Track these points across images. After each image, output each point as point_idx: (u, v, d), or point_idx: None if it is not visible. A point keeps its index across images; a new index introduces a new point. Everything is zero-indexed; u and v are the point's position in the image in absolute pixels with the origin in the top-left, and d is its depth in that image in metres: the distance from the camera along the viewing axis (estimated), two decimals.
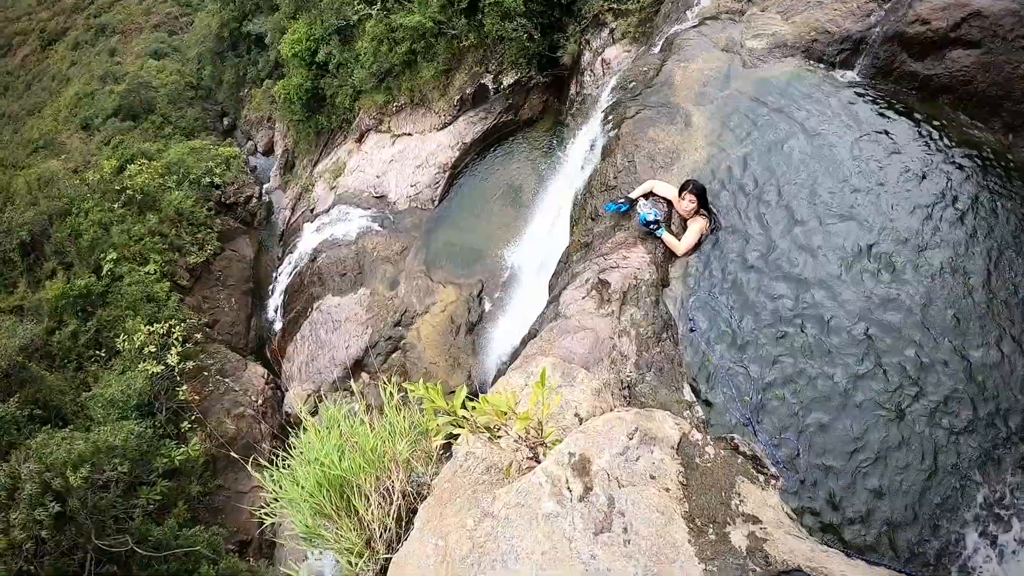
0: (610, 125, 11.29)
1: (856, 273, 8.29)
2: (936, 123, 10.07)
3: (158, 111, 42.47)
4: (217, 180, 32.02)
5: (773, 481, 4.97)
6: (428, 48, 26.00)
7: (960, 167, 9.49)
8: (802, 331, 7.88)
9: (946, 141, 9.84)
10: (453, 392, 4.42)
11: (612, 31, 21.59)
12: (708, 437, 5.17)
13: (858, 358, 7.64)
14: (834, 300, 8.10)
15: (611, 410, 5.86)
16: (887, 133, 9.89)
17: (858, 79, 11.05)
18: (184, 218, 28.89)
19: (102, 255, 25.22)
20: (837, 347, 7.73)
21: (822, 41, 11.33)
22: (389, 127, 28.31)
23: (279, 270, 29.58)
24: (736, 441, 5.22)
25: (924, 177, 9.30)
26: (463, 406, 4.27)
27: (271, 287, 29.46)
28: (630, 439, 4.54)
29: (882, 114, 10.21)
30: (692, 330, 7.98)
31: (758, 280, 8.37)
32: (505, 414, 4.12)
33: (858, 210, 8.90)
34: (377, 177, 27.05)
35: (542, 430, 4.37)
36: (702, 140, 10.13)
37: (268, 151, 39.96)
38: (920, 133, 9.92)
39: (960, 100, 10.46)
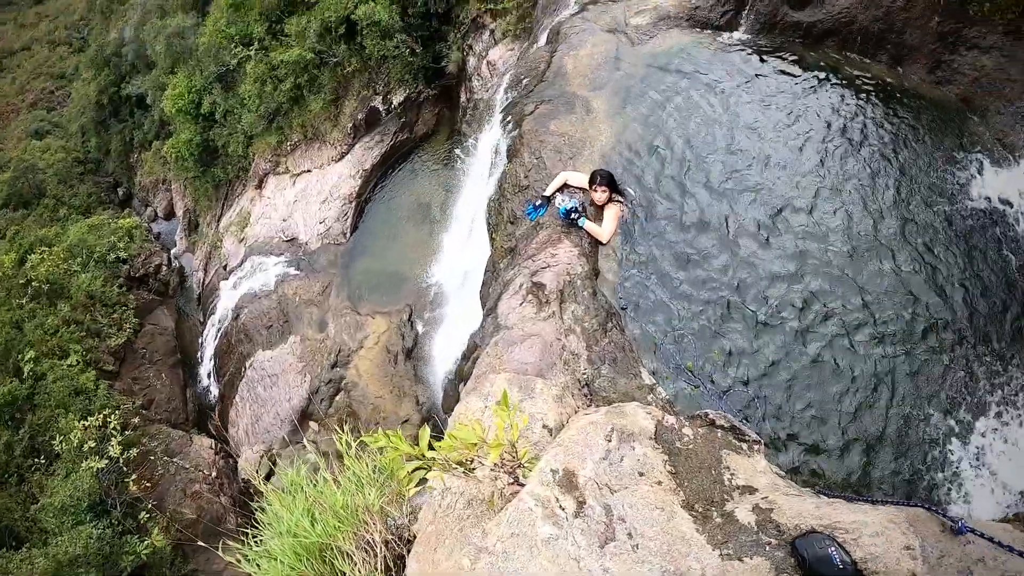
0: (511, 125, 11.22)
1: (765, 227, 8.64)
2: (825, 65, 10.50)
3: (49, 193, 40.77)
4: (122, 254, 30.73)
5: (756, 446, 4.95)
6: (312, 80, 25.61)
7: (852, 103, 9.93)
8: (725, 291, 8.20)
9: (836, 81, 10.26)
10: (406, 421, 4.22)
11: (492, 32, 21.57)
12: (682, 418, 5.12)
13: (781, 305, 8.04)
14: (749, 255, 8.43)
15: (575, 412, 5.79)
16: (779, 85, 10.25)
17: (745, 37, 11.36)
18: (97, 300, 27.62)
19: (19, 356, 23.82)
20: (759, 299, 8.10)
21: (704, 6, 11.60)
22: (287, 167, 27.77)
23: (204, 335, 28.62)
24: (711, 416, 5.17)
25: (817, 119, 9.74)
26: (430, 446, 4.04)
27: (199, 354, 28.46)
28: (608, 441, 4.43)
29: (772, 67, 10.55)
30: (623, 308, 8.09)
31: (677, 250, 8.60)
32: (476, 445, 3.91)
33: (758, 165, 9.26)
34: (284, 220, 26.45)
35: (516, 452, 4.19)
36: (605, 124, 10.20)
37: (169, 214, 38.74)
38: (812, 78, 10.31)
39: (845, 41, 10.92)
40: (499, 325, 8.09)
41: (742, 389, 7.44)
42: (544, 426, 5.34)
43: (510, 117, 11.38)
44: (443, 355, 18.07)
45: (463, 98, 23.13)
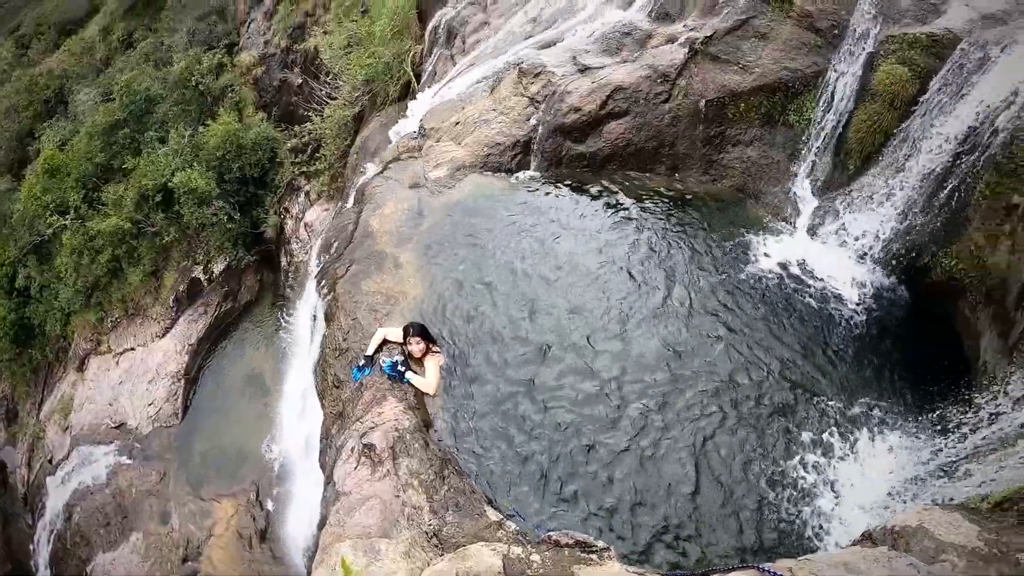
0: (325, 290, 11.28)
1: (573, 347, 9.25)
2: (610, 187, 11.66)
3: None
4: None
5: (606, 552, 5.30)
6: (131, 252, 25.08)
7: (638, 216, 11.11)
8: (543, 423, 8.60)
9: (621, 199, 11.40)
10: None
11: (307, 194, 22.34)
12: (529, 546, 5.45)
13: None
14: (562, 377, 8.99)
15: (427, 565, 6.03)
16: (569, 213, 11.23)
17: (536, 175, 12.20)
18: None
19: None
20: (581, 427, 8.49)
21: (495, 152, 12.35)
22: (109, 346, 26.50)
23: (35, 540, 25.59)
24: (555, 537, 5.51)
25: (610, 236, 10.72)
26: None
27: (33, 562, 25.35)
28: None
29: (561, 198, 11.52)
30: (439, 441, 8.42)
31: (497, 390, 8.97)
32: None
33: (560, 297, 9.90)
34: (110, 404, 24.85)
35: None
36: (414, 277, 10.51)
37: None
38: (599, 202, 11.40)
39: (625, 161, 12.14)
40: (338, 492, 8.05)
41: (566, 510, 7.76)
42: None
43: (324, 282, 11.47)
44: (299, 530, 17.06)
45: (284, 262, 23.45)
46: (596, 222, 10.99)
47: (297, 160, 23.86)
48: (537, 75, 12.65)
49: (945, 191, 9.78)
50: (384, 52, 20.37)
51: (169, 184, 23.58)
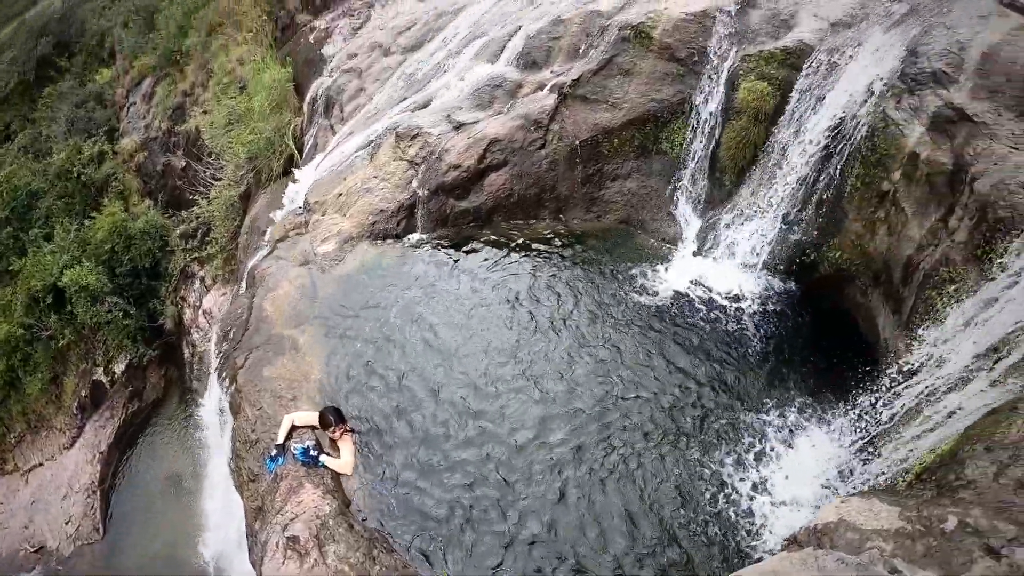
0: (227, 382, 10.93)
1: (478, 413, 9.27)
2: (498, 238, 11.87)
3: None
4: None
5: None
6: (26, 359, 23.81)
7: (527, 263, 11.37)
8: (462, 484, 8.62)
9: (509, 249, 11.66)
10: None
11: (203, 280, 21.75)
12: None
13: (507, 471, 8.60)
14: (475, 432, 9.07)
15: None
16: (460, 271, 11.33)
17: (424, 237, 12.25)
18: None
19: None
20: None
21: (381, 220, 12.30)
22: (16, 464, 24.96)
23: None
24: None
25: (498, 290, 10.85)
26: None
27: None
28: None
29: (449, 257, 11.64)
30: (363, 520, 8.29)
31: (409, 457, 8.98)
32: None
33: (459, 357, 9.95)
34: (25, 528, 23.27)
35: None
36: (314, 356, 10.34)
37: None
38: (487, 255, 11.59)
39: (510, 211, 12.42)
40: None
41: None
42: None
43: (225, 373, 11.14)
44: None
45: (187, 354, 22.67)
46: (486, 275, 11.11)
47: (188, 246, 23.33)
48: (414, 137, 12.77)
49: (819, 190, 10.29)
50: (265, 127, 20.22)
51: (59, 283, 22.66)
